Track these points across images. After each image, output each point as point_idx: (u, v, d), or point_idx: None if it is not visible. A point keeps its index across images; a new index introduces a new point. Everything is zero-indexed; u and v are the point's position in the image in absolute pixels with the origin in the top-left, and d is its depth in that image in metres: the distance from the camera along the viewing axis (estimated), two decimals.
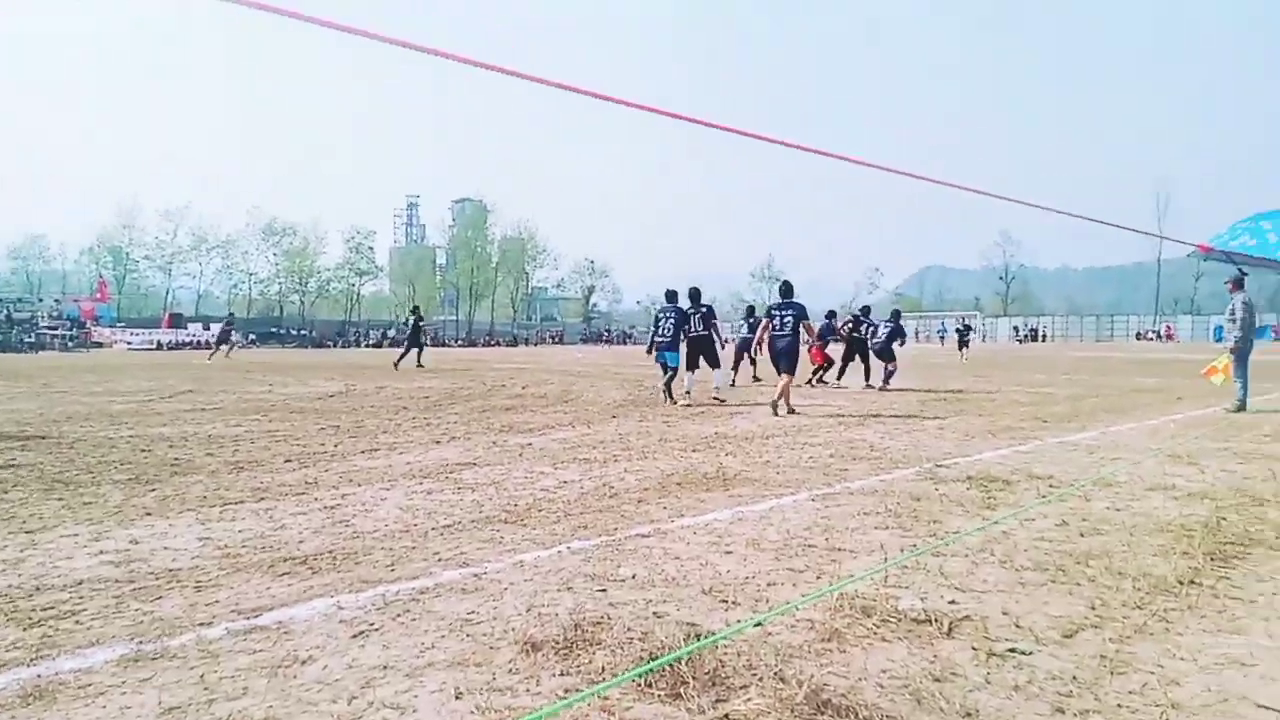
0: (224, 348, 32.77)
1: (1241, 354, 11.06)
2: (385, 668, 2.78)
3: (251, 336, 68.30)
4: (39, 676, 2.72)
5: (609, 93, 3.71)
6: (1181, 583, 3.62)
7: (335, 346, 66.36)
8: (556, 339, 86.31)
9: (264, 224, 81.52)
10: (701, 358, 12.91)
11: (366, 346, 67.53)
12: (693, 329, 12.89)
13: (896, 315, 16.81)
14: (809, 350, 15.20)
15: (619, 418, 10.72)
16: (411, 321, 25.34)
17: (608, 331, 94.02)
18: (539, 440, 8.52)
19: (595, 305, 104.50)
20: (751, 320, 16.84)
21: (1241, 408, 10.86)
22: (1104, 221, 4.68)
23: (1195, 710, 2.42)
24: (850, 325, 17.16)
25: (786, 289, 11.97)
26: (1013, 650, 2.88)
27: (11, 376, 20.80)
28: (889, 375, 15.93)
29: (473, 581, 3.73)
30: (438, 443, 8.34)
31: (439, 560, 4.09)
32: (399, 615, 3.30)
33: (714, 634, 2.99)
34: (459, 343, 79.20)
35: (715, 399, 12.91)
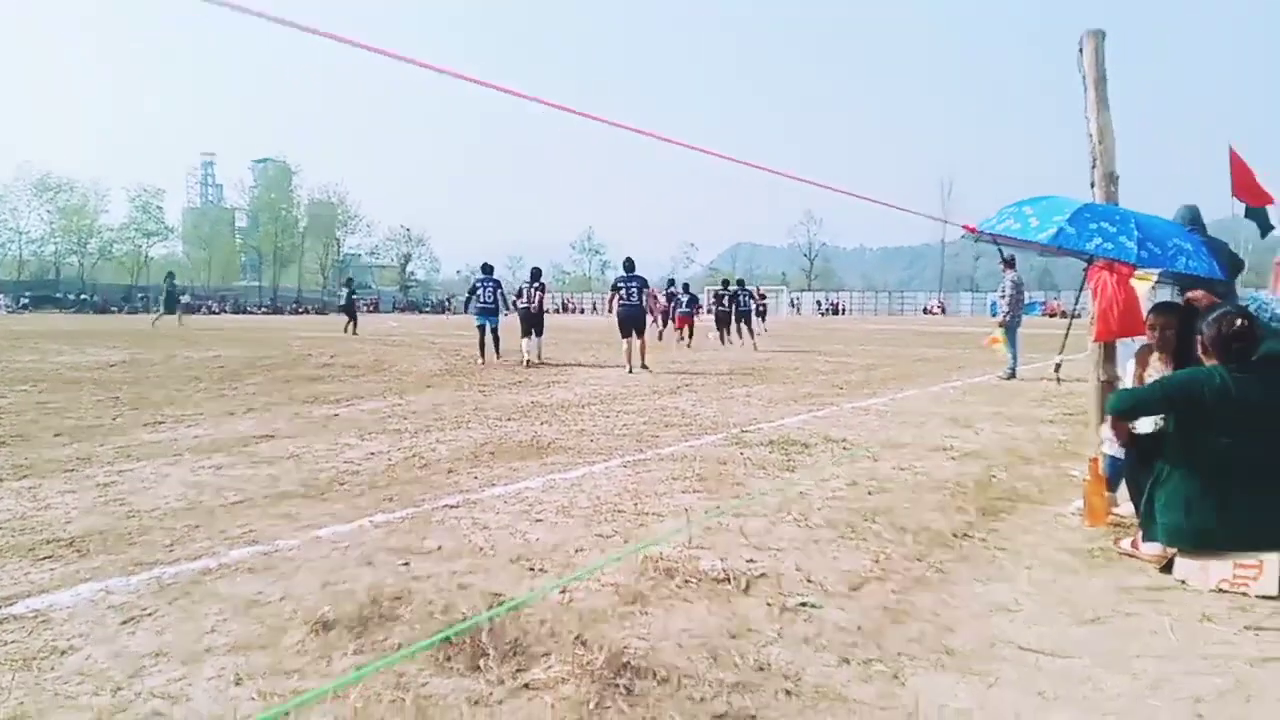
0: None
1: (1011, 327, 12.20)
2: (158, 655, 2.56)
3: (23, 300, 61.60)
4: None
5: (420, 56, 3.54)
6: (956, 536, 3.93)
7: (121, 312, 60.82)
8: (372, 308, 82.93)
9: (36, 178, 73.20)
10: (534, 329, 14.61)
11: (153, 312, 62.37)
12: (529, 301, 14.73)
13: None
14: (674, 317, 18.63)
15: (434, 388, 10.45)
16: (346, 294, 27.58)
17: (428, 301, 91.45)
18: (346, 411, 8.16)
19: (413, 274, 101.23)
20: (671, 290, 19.35)
21: (1011, 375, 11.97)
22: (894, 205, 4.98)
23: (968, 655, 2.62)
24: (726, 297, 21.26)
25: (629, 264, 14.08)
26: (804, 604, 3.02)
27: None
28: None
29: (262, 560, 3.50)
30: (232, 414, 7.80)
31: (225, 539, 3.81)
32: (177, 599, 3.05)
33: (517, 604, 2.95)
34: (262, 310, 74.56)
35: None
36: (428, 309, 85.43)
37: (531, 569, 3.41)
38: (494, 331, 14.70)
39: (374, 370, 12.97)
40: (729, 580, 3.24)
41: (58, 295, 67.00)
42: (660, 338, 18.63)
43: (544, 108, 2.80)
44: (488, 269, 15.73)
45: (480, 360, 14.34)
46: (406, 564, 3.47)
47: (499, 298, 14.90)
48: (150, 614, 2.89)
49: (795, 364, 14.93)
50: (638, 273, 13.95)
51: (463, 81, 2.51)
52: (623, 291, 13.63)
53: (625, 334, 13.44)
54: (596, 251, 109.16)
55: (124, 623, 2.82)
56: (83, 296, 67.58)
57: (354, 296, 27.59)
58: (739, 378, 12.21)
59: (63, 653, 2.58)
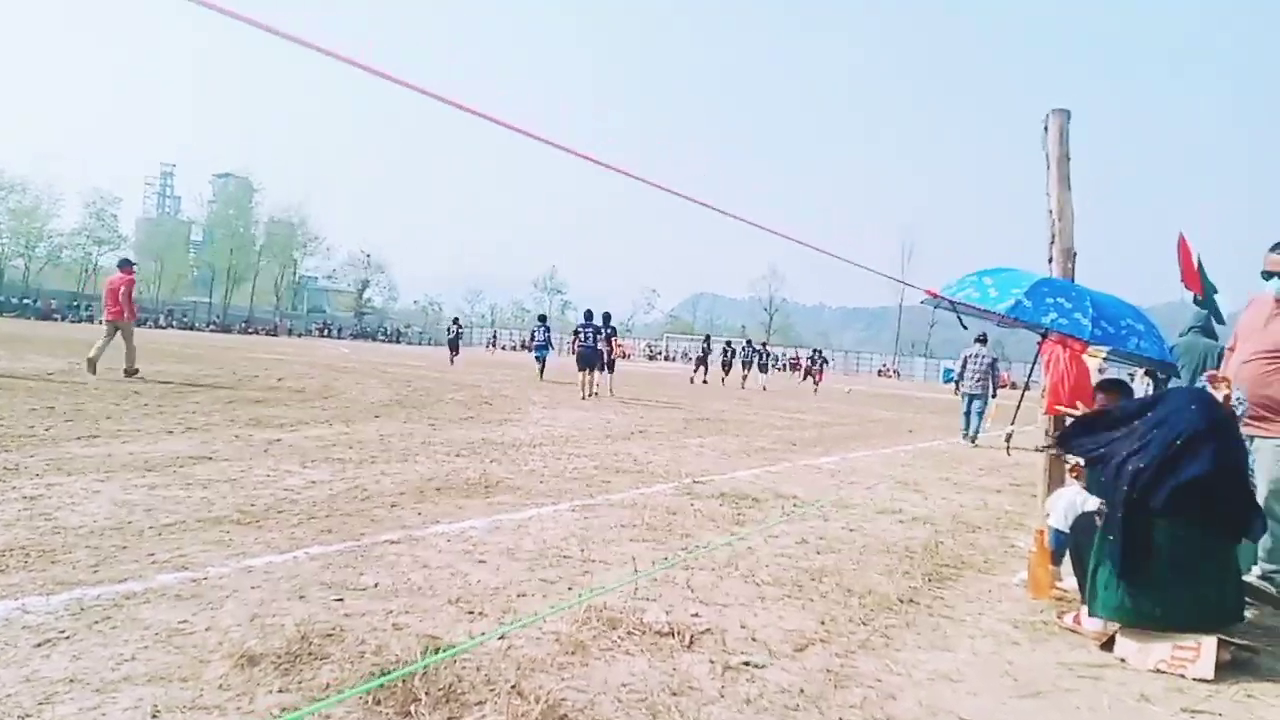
0: None
1: (986, 398, 12.68)
2: (71, 681, 2.43)
3: None
4: None
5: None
6: (902, 601, 3.91)
7: (64, 320, 59.22)
8: (325, 332, 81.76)
9: None
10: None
11: (99, 322, 60.85)
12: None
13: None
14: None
15: (382, 417, 10.26)
16: (455, 329, 32.44)
17: (382, 329, 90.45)
18: (290, 436, 7.96)
19: (369, 300, 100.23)
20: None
21: (974, 439, 12.51)
22: (856, 263, 5.05)
23: None
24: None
25: (588, 314, 18.56)
26: (747, 664, 2.97)
27: None
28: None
29: (190, 587, 3.36)
30: (170, 433, 7.57)
31: (153, 562, 3.66)
32: (96, 622, 2.90)
33: (453, 646, 2.86)
34: (210, 327, 73.09)
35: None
36: (382, 337, 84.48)
37: (470, 612, 3.32)
38: (543, 361, 22.72)
39: (322, 396, 12.73)
40: (673, 634, 3.18)
41: None
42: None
43: (512, 138, 2.79)
44: (543, 318, 24.40)
45: (540, 379, 21.48)
46: (340, 599, 3.36)
47: (548, 339, 23.17)
48: (67, 637, 2.75)
49: (750, 417, 14.99)
50: (594, 321, 17.93)
51: (428, 108, 2.49)
52: (581, 335, 17.51)
53: (581, 369, 17.05)
54: (558, 291, 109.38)
55: (38, 645, 2.67)
56: (25, 300, 65.75)
57: (460, 330, 32.65)
58: (693, 426, 12.20)
59: None
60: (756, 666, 2.95)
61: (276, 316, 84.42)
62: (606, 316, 18.70)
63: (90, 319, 62.45)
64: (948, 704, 2.77)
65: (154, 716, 2.25)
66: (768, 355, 31.24)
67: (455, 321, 33.77)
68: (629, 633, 3.16)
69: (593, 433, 10.34)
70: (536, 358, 23.27)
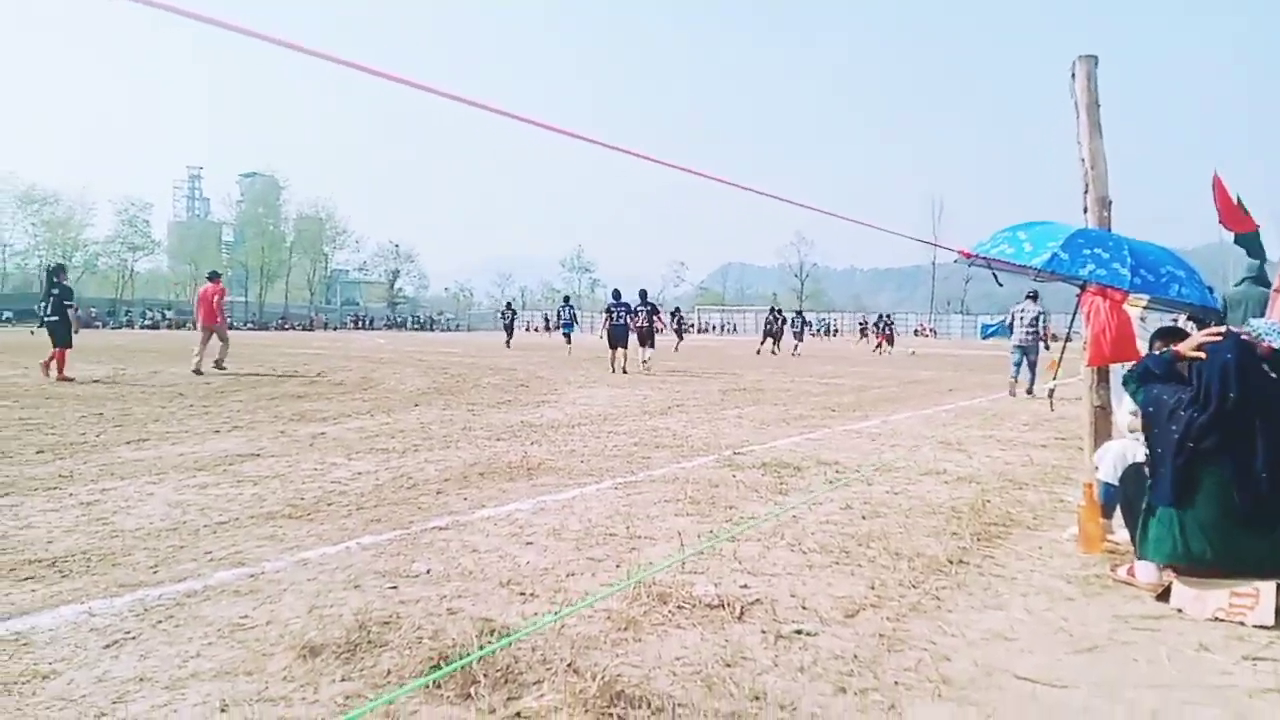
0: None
1: (1036, 350, 13.09)
2: (141, 680, 2.50)
3: (5, 314, 61.17)
4: None
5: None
6: (951, 562, 3.89)
7: (105, 327, 60.42)
8: (359, 324, 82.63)
9: (21, 191, 72.96)
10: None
11: (141, 327, 62.02)
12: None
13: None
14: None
15: (422, 406, 10.37)
16: (510, 314, 33.01)
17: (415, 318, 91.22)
18: (333, 430, 8.08)
19: (401, 290, 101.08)
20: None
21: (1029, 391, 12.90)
22: (884, 228, 4.98)
23: (964, 684, 2.59)
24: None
25: (617, 293, 19.17)
26: (799, 632, 2.98)
27: None
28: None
29: (248, 583, 3.44)
30: (217, 432, 7.72)
31: (210, 560, 3.74)
32: (160, 622, 2.98)
33: (508, 631, 2.90)
34: (248, 326, 74.17)
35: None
36: (415, 326, 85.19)
37: (522, 593, 3.36)
38: (570, 336, 26.42)
39: (361, 388, 12.89)
40: (723, 606, 3.19)
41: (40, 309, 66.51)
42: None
43: (531, 126, 2.77)
44: (567, 299, 28.00)
45: (568, 355, 23.99)
46: (395, 587, 3.41)
47: (573, 316, 26.83)
48: (134, 637, 2.83)
49: (787, 385, 14.93)
50: (623, 299, 18.62)
51: (454, 103, 2.48)
52: (612, 314, 18.23)
53: (613, 346, 17.89)
54: (586, 269, 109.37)
55: (106, 646, 2.75)
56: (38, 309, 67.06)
57: (514, 314, 33.32)
58: (731, 397, 12.19)
59: (44, 677, 2.51)
60: (808, 634, 2.96)
61: (311, 311, 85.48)
62: (643, 294, 19.55)
63: (129, 324, 63.73)
64: (1003, 663, 2.76)
65: (223, 711, 2.31)
66: (804, 322, 33.50)
67: (508, 306, 34.55)
68: (679, 607, 3.18)
69: (630, 409, 10.37)
70: (564, 334, 27.11)
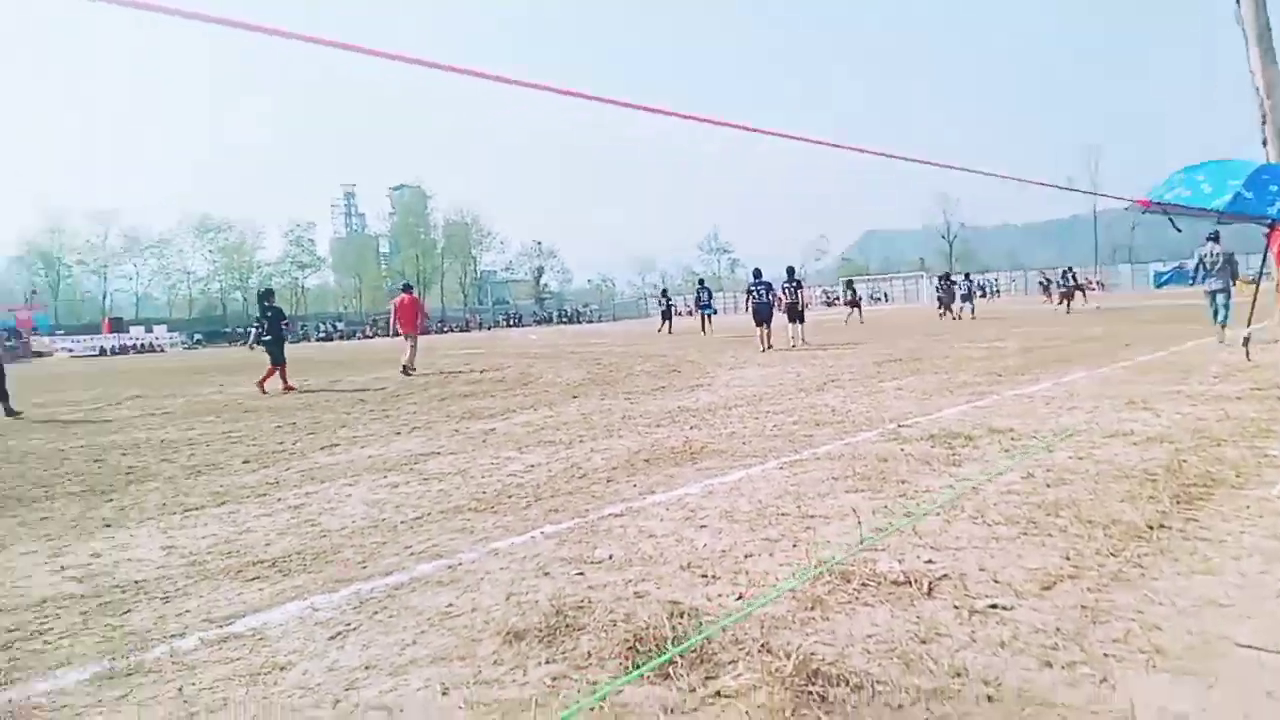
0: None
1: (1225, 290, 12.10)
2: (367, 668, 2.73)
3: (196, 336, 66.88)
4: (10, 701, 2.62)
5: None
6: (1151, 527, 3.69)
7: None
8: (510, 321, 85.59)
9: (197, 221, 79.81)
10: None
11: (315, 340, 66.45)
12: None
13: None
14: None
15: (580, 398, 10.66)
16: (666, 301, 33.80)
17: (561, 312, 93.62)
18: (501, 425, 8.44)
19: (546, 285, 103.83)
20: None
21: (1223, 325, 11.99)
22: (1042, 183, 4.72)
23: (1179, 654, 2.47)
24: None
25: (758, 272, 19.31)
26: (994, 606, 2.91)
27: None
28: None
29: (447, 573, 3.67)
30: (398, 434, 8.21)
31: (411, 554, 4.02)
32: (376, 613, 3.23)
33: (696, 613, 2.97)
34: None
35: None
36: (562, 319, 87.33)
37: (704, 576, 3.43)
38: (708, 317, 28.39)
39: (521, 384, 13.36)
40: (910, 583, 3.16)
41: (225, 330, 72.41)
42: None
43: (658, 116, 2.81)
44: (702, 282, 30.70)
45: (705, 334, 26.50)
46: (581, 574, 3.56)
47: (710, 298, 29.09)
48: (354, 629, 3.08)
49: (946, 352, 14.42)
50: (764, 278, 18.82)
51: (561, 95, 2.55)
52: (755, 292, 18.44)
53: (758, 323, 18.16)
54: (724, 250, 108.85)
55: (332, 638, 3.01)
56: (247, 330, 72.73)
57: (670, 301, 33.92)
58: (887, 368, 11.89)
59: (282, 668, 2.78)
60: (1004, 608, 2.88)
61: (465, 313, 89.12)
62: (790, 270, 19.77)
63: (305, 338, 68.36)
64: (1220, 630, 2.61)
65: (444, 694, 2.49)
66: (974, 285, 32.81)
67: (664, 293, 35.55)
68: (864, 584, 3.17)
69: (785, 388, 10.30)
70: (704, 315, 28.76)
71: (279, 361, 14.42)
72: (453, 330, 74.34)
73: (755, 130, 3.20)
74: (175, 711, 2.49)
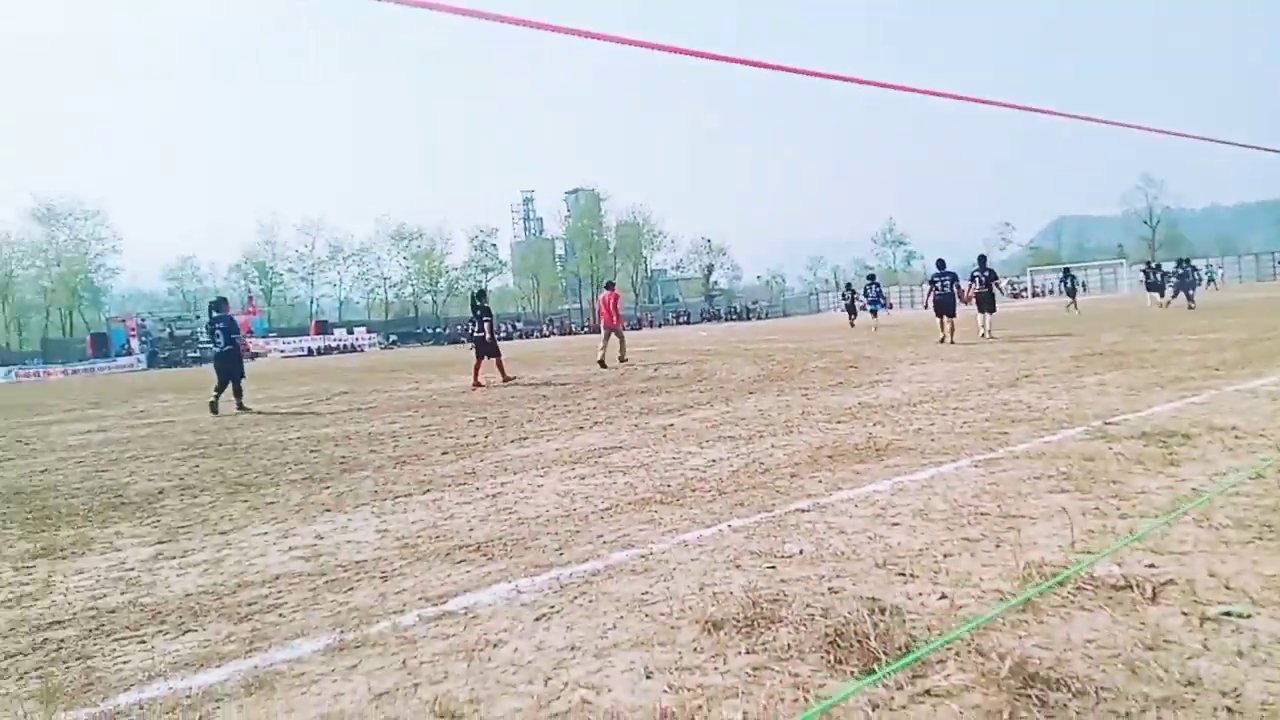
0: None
1: None
2: (573, 649, 2.84)
3: (391, 337, 71.60)
4: (257, 668, 2.90)
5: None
6: None
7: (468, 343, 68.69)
8: (680, 319, 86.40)
9: (393, 229, 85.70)
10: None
11: (500, 339, 69.57)
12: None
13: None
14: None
15: (756, 393, 10.63)
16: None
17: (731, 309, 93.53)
18: (680, 421, 8.54)
19: (716, 283, 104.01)
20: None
21: None
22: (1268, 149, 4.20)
23: None
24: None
25: (941, 263, 18.69)
26: (1229, 614, 2.68)
27: (181, 389, 22.50)
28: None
29: (640, 562, 3.76)
30: (581, 429, 8.48)
31: (604, 543, 4.14)
32: (576, 597, 3.36)
33: (898, 610, 2.91)
34: (585, 330, 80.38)
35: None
36: (732, 316, 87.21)
37: (901, 574, 3.34)
38: (876, 313, 28.64)
39: (695, 379, 13.46)
40: (1130, 587, 2.95)
41: (417, 331, 77.25)
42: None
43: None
44: (872, 277, 30.01)
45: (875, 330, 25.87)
46: (773, 567, 3.55)
47: (879, 294, 29.37)
48: (558, 611, 3.22)
49: (1152, 345, 13.34)
50: (948, 269, 18.31)
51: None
52: (938, 284, 18.04)
53: (939, 315, 17.66)
54: (900, 242, 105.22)
55: (537, 619, 3.16)
56: (436, 330, 77.18)
57: (855, 295, 32.93)
58: (1086, 362, 11.14)
59: (494, 645, 2.94)
60: (1240, 616, 2.65)
61: (637, 311, 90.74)
62: (982, 259, 19.38)
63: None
64: None
65: (648, 677, 2.56)
66: (1193, 271, 29.21)
67: (848, 287, 34.94)
68: (1079, 588, 3.00)
69: (973, 383, 9.85)
70: (871, 312, 28.63)
71: (492, 355, 15.49)
72: (626, 329, 75.75)
73: (934, 94, 3.09)
74: (401, 682, 2.69)
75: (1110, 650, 2.48)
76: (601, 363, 17.64)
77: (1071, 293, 32.03)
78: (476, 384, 15.02)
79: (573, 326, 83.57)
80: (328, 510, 5.48)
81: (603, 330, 18.41)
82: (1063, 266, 41.61)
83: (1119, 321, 21.09)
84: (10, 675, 3.05)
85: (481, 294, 16.48)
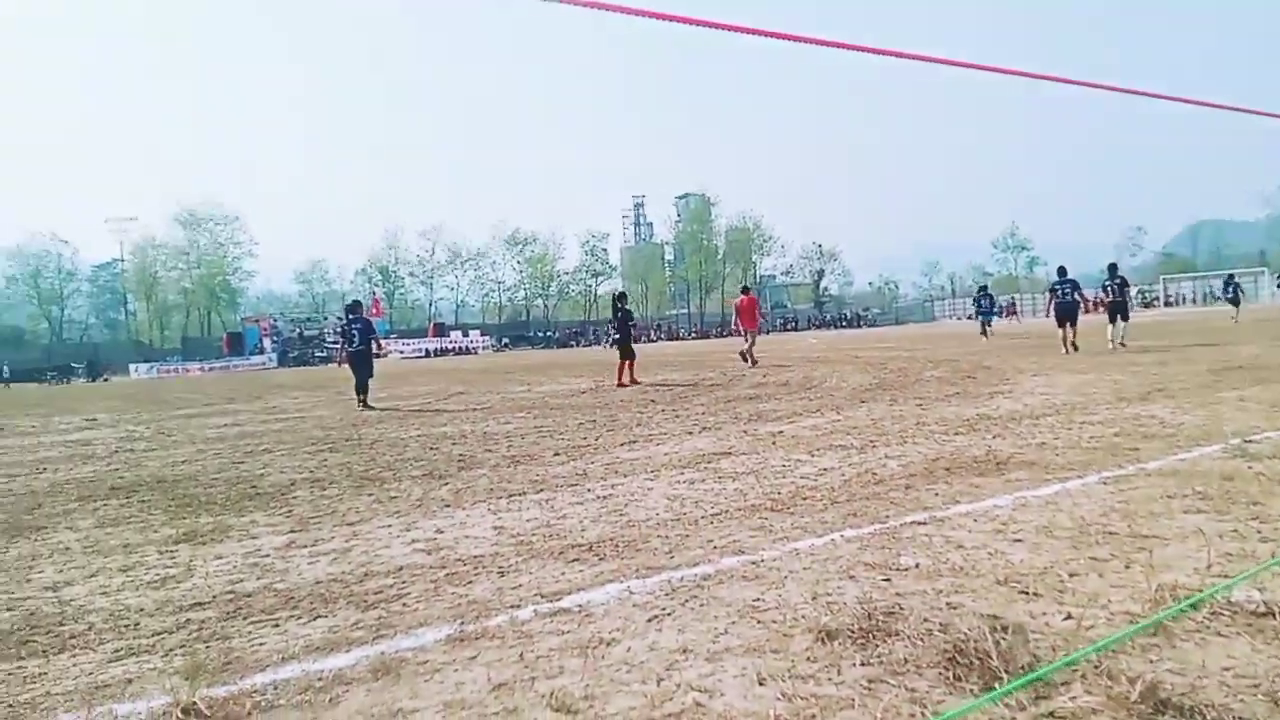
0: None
1: None
2: (684, 651, 2.87)
3: (504, 340, 73.48)
4: (383, 654, 3.05)
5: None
6: None
7: (577, 346, 69.65)
8: (789, 325, 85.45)
9: (508, 235, 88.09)
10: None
11: (608, 345, 70.41)
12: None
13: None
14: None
15: (868, 402, 10.44)
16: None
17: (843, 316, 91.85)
18: (789, 428, 8.47)
19: (826, 289, 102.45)
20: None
21: None
22: None
23: None
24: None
25: (1062, 270, 18.54)
26: None
27: (311, 387, 23.65)
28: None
29: (751, 569, 3.77)
30: (690, 434, 8.51)
31: (714, 548, 4.17)
32: (687, 600, 3.40)
33: (1021, 629, 2.82)
34: (692, 335, 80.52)
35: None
36: (842, 323, 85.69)
37: (1024, 592, 3.24)
38: (988, 323, 27.55)
39: (805, 387, 13.31)
40: (1272, 614, 2.79)
41: (528, 334, 79.03)
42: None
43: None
44: (984, 288, 29.22)
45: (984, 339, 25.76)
46: (888, 579, 3.50)
47: (992, 304, 28.76)
48: (669, 613, 3.26)
49: None
50: (1069, 277, 18.05)
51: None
52: (1059, 291, 17.76)
53: (1060, 324, 17.30)
54: (1022, 248, 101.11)
55: (649, 620, 3.21)
56: (547, 333, 78.78)
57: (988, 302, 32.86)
58: (1224, 377, 10.49)
59: (608, 644, 3.00)
60: None
61: None
62: (1113, 267, 18.83)
63: (597, 341, 72.63)
64: None
65: (760, 684, 2.57)
66: None
67: (982, 290, 33.52)
68: (1215, 613, 2.85)
69: (1101, 396, 9.41)
70: (982, 322, 27.89)
71: (628, 357, 15.94)
72: (733, 335, 75.52)
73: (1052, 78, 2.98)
74: (519, 674, 2.78)
75: (1250, 680, 2.35)
76: (744, 356, 19.53)
77: (1235, 301, 29.87)
78: (625, 382, 15.62)
79: (680, 331, 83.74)
80: (447, 506, 5.69)
81: (744, 333, 20.13)
82: (1227, 273, 39.23)
83: (1260, 333, 19.75)
84: (158, 651, 3.30)
85: (622, 295, 17.05)
